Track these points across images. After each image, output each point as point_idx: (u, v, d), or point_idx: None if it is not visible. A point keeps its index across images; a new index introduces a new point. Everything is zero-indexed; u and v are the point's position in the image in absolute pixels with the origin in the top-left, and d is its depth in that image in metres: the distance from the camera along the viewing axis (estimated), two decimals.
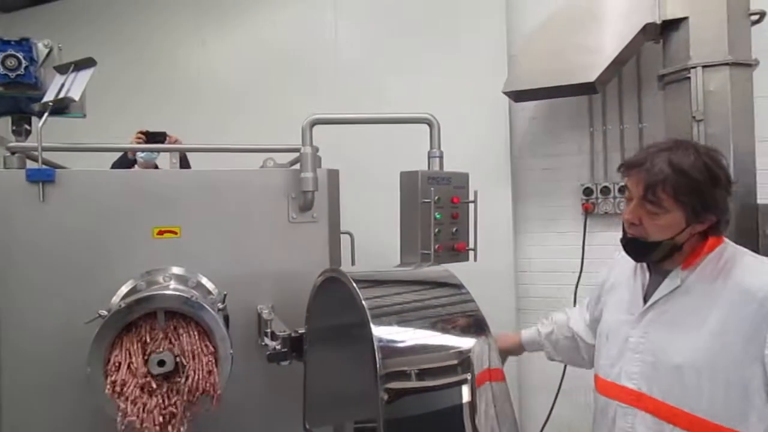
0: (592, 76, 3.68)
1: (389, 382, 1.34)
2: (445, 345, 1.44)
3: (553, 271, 4.39)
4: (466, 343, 1.47)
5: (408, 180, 2.31)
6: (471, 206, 2.41)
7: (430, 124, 2.36)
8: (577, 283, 4.11)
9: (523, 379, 4.44)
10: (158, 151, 2.72)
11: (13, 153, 2.13)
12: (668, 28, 3.56)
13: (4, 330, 2.00)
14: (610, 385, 1.86)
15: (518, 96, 4.16)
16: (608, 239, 4.08)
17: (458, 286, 1.60)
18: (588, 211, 4.25)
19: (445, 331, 1.48)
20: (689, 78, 3.39)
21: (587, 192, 4.27)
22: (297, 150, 2.27)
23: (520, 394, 4.46)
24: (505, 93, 4.12)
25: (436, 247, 2.28)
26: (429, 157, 2.37)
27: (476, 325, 1.51)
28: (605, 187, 4.22)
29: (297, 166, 2.32)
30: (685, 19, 3.45)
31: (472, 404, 1.37)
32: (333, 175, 2.40)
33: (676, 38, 3.53)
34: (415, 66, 4.59)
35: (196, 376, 1.70)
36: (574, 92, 3.94)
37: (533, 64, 3.99)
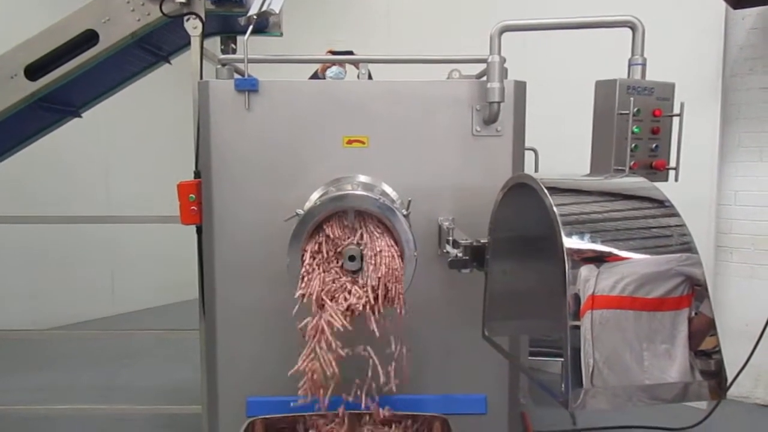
0: None
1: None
2: (647, 262, 1.33)
3: (765, 205, 3.84)
4: (667, 262, 1.35)
5: (604, 89, 2.11)
6: (675, 120, 2.16)
7: (633, 27, 2.12)
8: None
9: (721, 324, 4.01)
10: (350, 62, 2.82)
11: (223, 65, 2.35)
12: None
13: (217, 218, 2.28)
14: None
15: (739, 0, 3.56)
16: None
17: (661, 200, 1.47)
18: None
19: (646, 248, 1.37)
20: None
21: None
22: (483, 61, 2.20)
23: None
24: None
25: (632, 164, 2.10)
26: (629, 65, 2.14)
27: (681, 244, 1.38)
28: None
29: (483, 79, 2.25)
30: None
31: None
32: (520, 87, 2.29)
33: None
34: None
35: (382, 270, 1.79)
36: None
37: None
